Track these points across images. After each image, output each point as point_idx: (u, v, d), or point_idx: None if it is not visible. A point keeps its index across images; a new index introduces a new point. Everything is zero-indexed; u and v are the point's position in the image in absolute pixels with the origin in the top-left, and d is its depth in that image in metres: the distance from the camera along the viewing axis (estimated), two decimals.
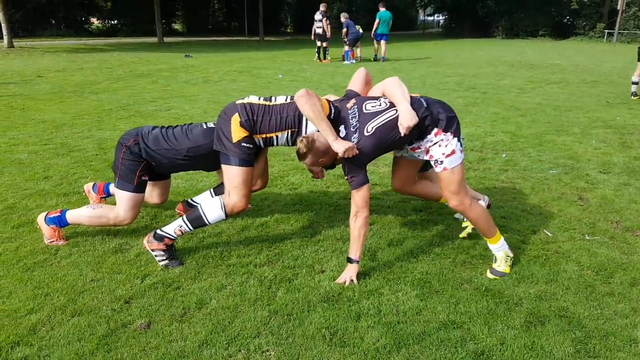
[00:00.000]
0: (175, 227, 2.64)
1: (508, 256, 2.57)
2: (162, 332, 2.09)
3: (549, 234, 3.03)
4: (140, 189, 2.82)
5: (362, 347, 1.99)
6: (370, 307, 2.26)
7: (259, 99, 2.66)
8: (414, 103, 2.42)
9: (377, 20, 14.90)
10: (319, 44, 14.69)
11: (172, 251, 2.69)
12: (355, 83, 2.72)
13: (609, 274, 2.55)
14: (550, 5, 35.09)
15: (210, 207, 2.64)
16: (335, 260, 2.70)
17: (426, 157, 2.53)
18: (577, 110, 7.07)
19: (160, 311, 2.24)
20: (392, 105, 2.46)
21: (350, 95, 2.68)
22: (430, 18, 55.93)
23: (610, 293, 2.37)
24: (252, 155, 2.65)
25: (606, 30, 32.12)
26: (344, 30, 14.17)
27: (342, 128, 2.48)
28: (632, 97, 8.11)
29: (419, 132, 2.43)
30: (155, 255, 2.63)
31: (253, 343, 2.02)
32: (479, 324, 2.13)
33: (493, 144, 5.20)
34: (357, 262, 2.48)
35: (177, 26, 42.17)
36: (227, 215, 2.66)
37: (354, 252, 2.47)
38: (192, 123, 2.93)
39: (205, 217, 2.63)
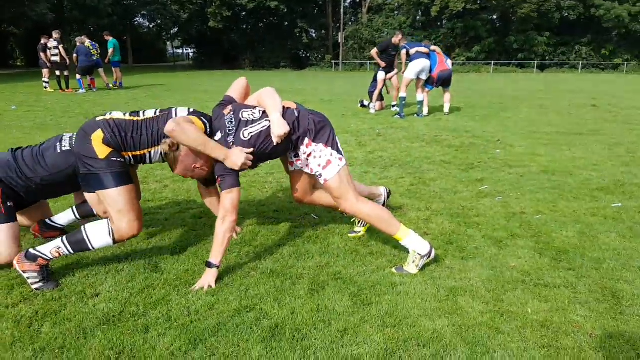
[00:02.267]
0: (52, 247, 2.34)
1: (418, 255, 2.49)
2: None
3: (316, 217, 3.37)
4: (10, 217, 2.47)
5: (155, 355, 1.82)
6: (159, 316, 2.09)
7: (125, 114, 2.46)
8: (286, 113, 2.47)
9: (111, 49, 14.32)
10: (58, 73, 13.23)
11: (47, 272, 2.36)
12: (235, 91, 2.69)
13: (367, 239, 2.97)
14: (286, 39, 39.55)
15: (96, 232, 2.36)
16: (111, 281, 2.41)
17: (307, 170, 2.58)
18: None
19: None
20: (266, 114, 2.46)
21: (227, 100, 2.62)
22: (180, 51, 56.14)
23: (370, 253, 2.76)
24: (127, 170, 2.42)
25: (333, 61, 37.93)
26: (75, 56, 13.12)
27: (218, 133, 2.44)
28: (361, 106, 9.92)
29: (293, 144, 2.49)
30: (28, 278, 2.32)
31: None
32: (270, 302, 2.21)
33: None
34: (218, 267, 2.36)
35: None
36: (115, 242, 2.41)
37: (216, 256, 2.34)
38: (42, 144, 2.61)
39: (90, 242, 2.37)
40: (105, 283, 2.39)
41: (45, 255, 2.34)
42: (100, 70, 13.96)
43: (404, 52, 8.91)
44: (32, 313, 2.11)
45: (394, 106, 9.80)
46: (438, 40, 36.61)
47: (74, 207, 2.91)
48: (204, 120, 2.47)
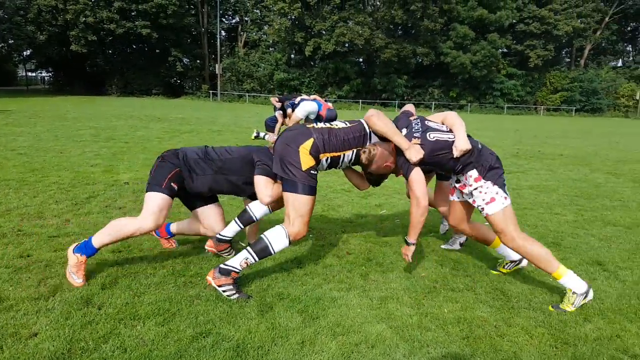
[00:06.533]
0: (241, 259, 2.62)
1: (575, 294, 2.60)
2: None
3: (243, 244, 3.51)
4: (168, 191, 2.77)
5: None
6: (114, 349, 2.07)
7: (325, 124, 2.85)
8: (470, 138, 2.78)
9: None
10: None
11: (238, 284, 2.65)
12: (410, 108, 3.07)
13: (298, 261, 3.20)
14: (159, 67, 38.24)
15: (276, 237, 2.66)
16: (45, 320, 2.28)
17: (471, 201, 2.82)
18: None
19: None
20: (451, 131, 2.80)
21: (409, 112, 2.98)
22: (33, 74, 50.60)
23: (305, 274, 2.99)
24: (316, 183, 2.75)
25: (211, 91, 37.61)
26: None
27: (404, 129, 2.79)
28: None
29: (462, 166, 2.74)
30: (224, 291, 2.57)
31: None
32: (224, 325, 2.31)
33: None
34: (414, 244, 2.78)
35: None
36: (290, 243, 2.71)
37: (413, 236, 2.76)
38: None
39: (272, 247, 2.66)
40: (38, 322, 2.26)
41: (236, 268, 2.60)
42: None
43: (289, 110, 9.49)
44: None
45: None
46: (312, 79, 38.62)
47: (237, 218, 3.07)
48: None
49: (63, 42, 34.64)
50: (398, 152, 2.76)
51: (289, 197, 2.69)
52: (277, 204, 3.01)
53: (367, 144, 2.83)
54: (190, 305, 2.50)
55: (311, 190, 2.70)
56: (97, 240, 2.70)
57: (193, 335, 2.21)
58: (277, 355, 2.08)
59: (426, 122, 2.85)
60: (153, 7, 34.00)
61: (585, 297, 2.63)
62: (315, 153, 2.71)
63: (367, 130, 2.85)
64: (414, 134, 2.76)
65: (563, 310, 2.60)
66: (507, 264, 3.17)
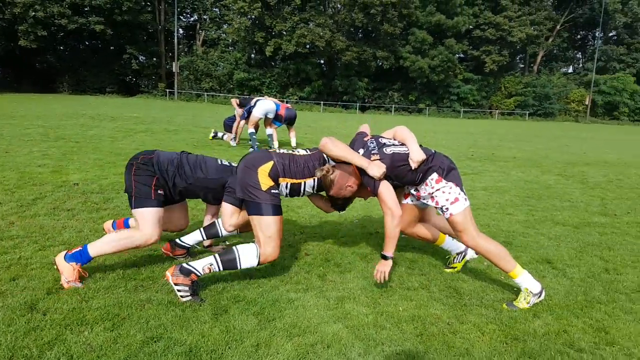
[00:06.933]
0: (205, 264, 2.58)
1: (530, 293, 2.68)
2: None
3: (198, 247, 3.43)
4: (159, 203, 2.79)
5: None
6: (59, 355, 1.97)
7: (286, 150, 2.91)
8: (422, 148, 2.83)
9: None
10: None
11: (196, 287, 2.58)
12: (365, 128, 3.08)
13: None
14: (113, 64, 37.05)
15: (247, 253, 2.64)
16: None
17: (432, 204, 2.83)
18: None
19: None
20: (404, 145, 2.85)
21: (363, 134, 2.98)
22: None
23: (262, 276, 2.95)
24: (280, 202, 2.74)
25: (167, 90, 36.73)
26: None
27: (360, 150, 2.81)
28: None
29: (422, 174, 2.77)
30: (179, 290, 2.50)
31: None
32: (176, 330, 2.24)
33: (111, 184, 5.23)
34: (392, 258, 2.74)
35: None
36: (258, 264, 2.69)
37: (389, 249, 2.72)
38: (204, 156, 3.09)
39: (239, 262, 2.63)
40: None
41: (198, 271, 2.55)
42: None
43: (239, 118, 9.48)
44: None
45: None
46: (273, 79, 38.43)
47: (202, 229, 3.15)
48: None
49: (11, 37, 32.98)
50: (361, 172, 2.77)
51: (254, 220, 2.70)
52: (246, 227, 3.03)
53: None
54: (140, 310, 2.42)
55: (275, 210, 2.70)
56: (95, 249, 2.68)
57: (143, 340, 2.13)
58: (231, 358, 2.04)
59: (380, 139, 2.92)
60: (107, 3, 32.97)
61: (539, 297, 2.74)
62: (274, 176, 2.74)
63: (327, 158, 2.89)
64: (372, 152, 2.79)
65: (516, 308, 2.68)
66: (455, 257, 3.29)
